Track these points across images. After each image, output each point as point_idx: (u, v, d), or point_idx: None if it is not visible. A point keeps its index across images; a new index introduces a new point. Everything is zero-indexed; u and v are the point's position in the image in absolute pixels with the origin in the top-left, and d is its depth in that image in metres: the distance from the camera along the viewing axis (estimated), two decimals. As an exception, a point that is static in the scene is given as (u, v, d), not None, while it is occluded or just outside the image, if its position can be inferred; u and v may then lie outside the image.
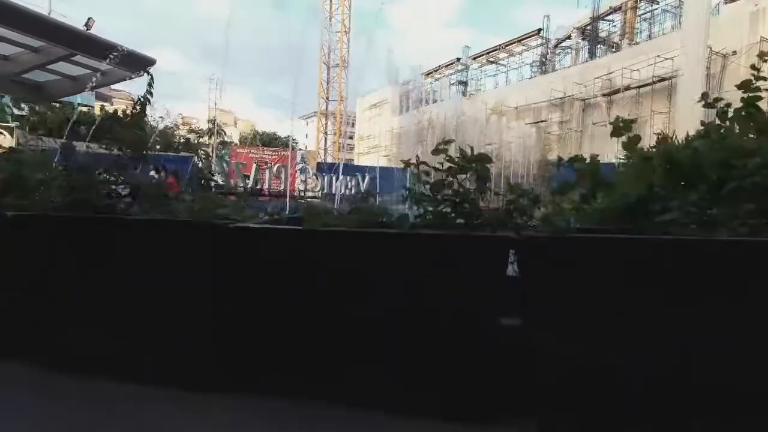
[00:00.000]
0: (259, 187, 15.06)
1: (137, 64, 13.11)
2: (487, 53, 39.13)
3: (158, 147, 40.43)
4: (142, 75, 21.67)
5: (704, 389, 1.86)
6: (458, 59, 41.44)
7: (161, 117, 48.62)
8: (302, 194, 18.27)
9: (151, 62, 13.22)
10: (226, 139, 60.58)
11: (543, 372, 2.10)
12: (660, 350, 1.93)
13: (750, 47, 20.11)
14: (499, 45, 37.87)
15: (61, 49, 10.77)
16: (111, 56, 10.87)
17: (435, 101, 48.09)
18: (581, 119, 29.95)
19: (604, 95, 27.76)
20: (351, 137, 62.50)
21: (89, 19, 10.68)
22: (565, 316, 2.07)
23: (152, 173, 12.82)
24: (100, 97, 62.38)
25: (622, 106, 26.44)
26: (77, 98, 55.52)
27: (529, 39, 36.51)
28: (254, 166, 15.36)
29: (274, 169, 15.62)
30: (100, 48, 11.18)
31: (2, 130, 18.90)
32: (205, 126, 59.21)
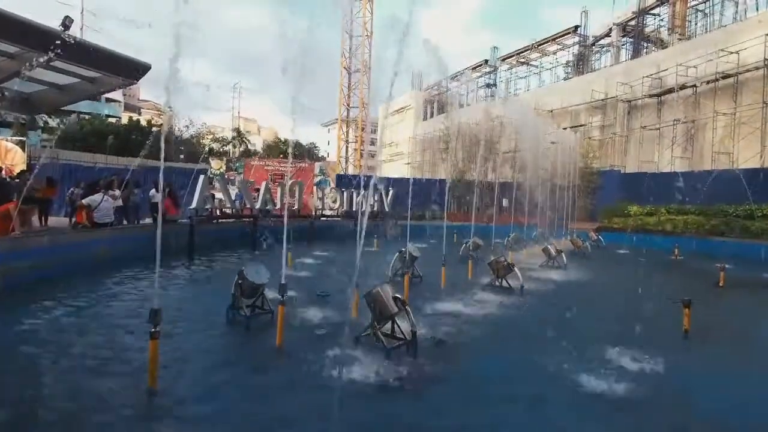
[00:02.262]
0: (268, 207, 13.17)
1: (131, 70, 11.51)
2: (518, 54, 36.60)
3: (182, 157, 39.65)
4: (136, 83, 20.47)
5: None
6: (486, 61, 39.05)
7: (186, 126, 48.46)
8: (319, 213, 16.35)
9: (146, 68, 11.58)
10: (249, 147, 60.07)
11: None
12: None
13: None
14: (532, 44, 35.30)
15: (36, 54, 9.10)
16: (91, 58, 9.19)
17: (461, 106, 45.87)
18: (626, 122, 27.11)
19: (653, 96, 24.91)
20: (373, 143, 60.82)
21: (66, 17, 9.02)
22: None
23: (152, 192, 10.70)
24: (128, 107, 63.02)
25: (675, 108, 23.59)
26: (104, 109, 55.81)
27: (564, 37, 33.82)
28: (264, 184, 13.49)
29: (287, 185, 13.73)
30: (81, 52, 9.47)
31: (13, 145, 17.87)
32: (229, 134, 58.89)
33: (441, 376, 4.19)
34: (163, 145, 4.22)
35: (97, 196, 9.42)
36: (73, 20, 9.42)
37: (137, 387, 3.64)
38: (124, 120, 47.42)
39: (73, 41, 8.81)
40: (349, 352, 4.41)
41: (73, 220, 11.44)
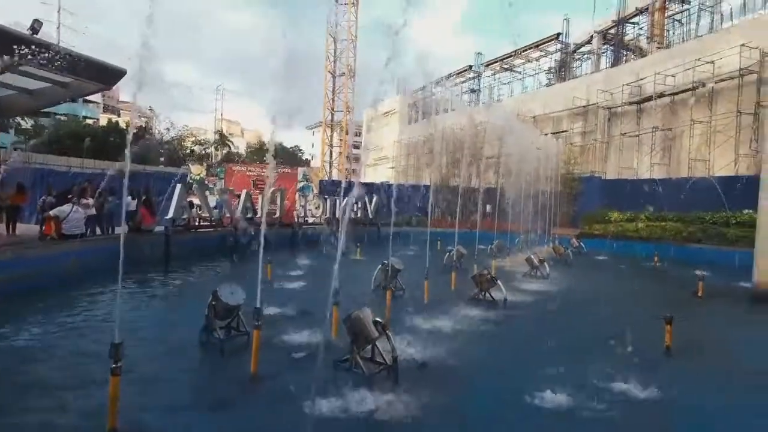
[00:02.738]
0: (249, 216, 12.87)
1: (105, 76, 11.14)
2: (502, 60, 36.94)
3: (162, 159, 38.74)
4: (111, 89, 19.86)
5: None
6: (470, 67, 39.29)
7: (167, 129, 47.44)
8: (302, 221, 16.09)
9: (121, 73, 11.22)
10: (232, 149, 59.26)
11: None
12: None
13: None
14: (515, 51, 35.66)
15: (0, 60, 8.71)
16: (59, 64, 8.84)
17: (446, 110, 46.04)
18: (606, 129, 27.54)
19: (632, 103, 25.37)
20: (357, 146, 60.65)
21: (35, 21, 8.64)
22: None
23: (128, 198, 10.21)
24: (108, 109, 61.38)
25: (653, 115, 24.06)
26: (82, 111, 54.17)
27: (546, 44, 34.26)
28: (244, 192, 13.18)
29: (269, 193, 13.45)
30: (52, 56, 9.11)
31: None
32: (211, 137, 57.97)
33: (422, 413, 3.99)
34: (128, 151, 3.92)
35: (66, 207, 9.02)
36: (42, 23, 9.03)
37: (97, 428, 3.38)
38: (103, 122, 46.16)
39: (41, 45, 8.45)
40: (327, 382, 4.21)
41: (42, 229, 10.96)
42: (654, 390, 4.34)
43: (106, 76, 11.14)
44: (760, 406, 4.33)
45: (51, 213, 8.92)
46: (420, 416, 3.79)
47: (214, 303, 5.26)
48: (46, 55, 8.78)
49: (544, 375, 4.55)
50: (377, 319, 4.46)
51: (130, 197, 12.35)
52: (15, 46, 8.24)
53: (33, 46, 8.59)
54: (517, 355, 5.60)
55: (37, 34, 9.03)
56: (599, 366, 4.72)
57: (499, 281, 7.70)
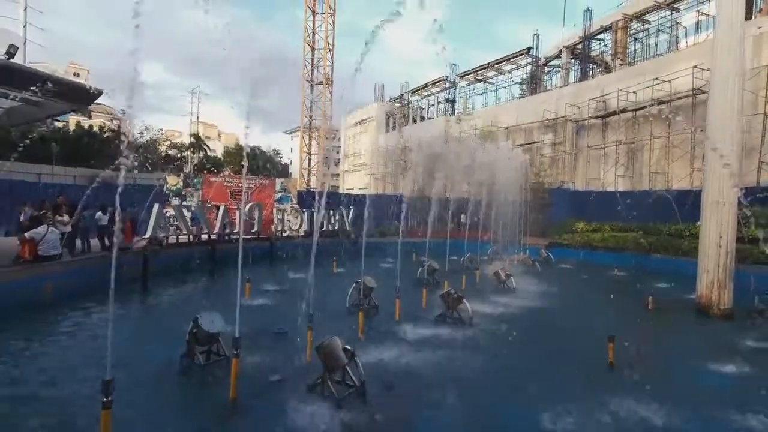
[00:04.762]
0: (228, 231, 13.07)
1: (80, 97, 11.22)
2: (475, 71, 37.99)
3: (136, 164, 37.93)
4: (86, 109, 19.60)
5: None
6: (446, 77, 40.22)
7: (141, 132, 46.42)
8: (280, 233, 16.33)
9: (97, 94, 11.32)
10: (209, 153, 58.41)
11: None
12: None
13: (756, 71, 19.11)
14: (488, 63, 36.78)
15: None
16: (37, 89, 8.93)
17: (423, 119, 46.90)
18: (575, 141, 28.77)
19: (597, 117, 26.64)
20: (337, 151, 60.88)
21: (11, 46, 8.73)
22: None
23: (98, 214, 10.30)
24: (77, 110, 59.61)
25: (617, 129, 25.37)
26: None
27: (518, 58, 35.47)
28: (222, 208, 13.37)
29: (246, 209, 13.67)
30: (24, 79, 9.20)
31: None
32: (187, 140, 56.96)
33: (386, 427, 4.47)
34: (123, 163, 3.94)
35: (41, 229, 9.08)
36: (17, 48, 9.11)
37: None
38: (72, 125, 44.83)
39: (19, 71, 8.57)
40: (301, 404, 4.62)
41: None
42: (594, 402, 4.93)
43: (81, 96, 11.22)
44: (683, 415, 4.95)
45: (26, 236, 8.96)
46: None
47: (194, 330, 5.58)
48: (23, 78, 8.88)
49: (500, 391, 5.07)
50: (346, 346, 4.89)
51: (100, 212, 12.34)
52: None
53: (8, 70, 8.70)
54: (475, 377, 6.10)
55: (12, 58, 9.11)
56: (549, 382, 5.28)
57: (465, 300, 8.23)
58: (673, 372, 6.45)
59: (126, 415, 4.30)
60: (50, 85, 8.64)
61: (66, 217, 11.36)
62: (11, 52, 8.94)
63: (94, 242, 11.82)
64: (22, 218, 12.23)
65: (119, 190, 3.74)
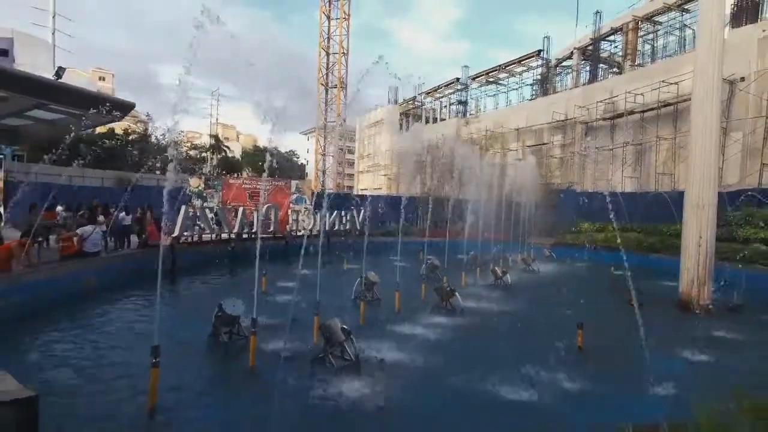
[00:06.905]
0: (246, 231, 14.25)
1: (116, 109, 12.51)
2: (487, 73, 38.58)
3: (158, 165, 39.84)
4: (122, 119, 21.18)
5: None
6: (458, 79, 40.90)
7: (163, 135, 48.33)
8: (293, 234, 17.45)
9: (131, 106, 12.63)
10: (228, 155, 60.29)
11: None
12: None
13: (760, 74, 19.36)
14: (499, 65, 37.34)
15: (28, 100, 10.09)
16: (92, 110, 10.26)
17: (435, 120, 47.65)
18: (584, 142, 29.18)
19: (606, 119, 27.03)
20: (351, 152, 62.06)
21: (59, 68, 10.02)
22: None
23: (122, 214, 11.65)
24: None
25: (625, 131, 25.73)
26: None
27: (529, 60, 35.94)
28: (241, 210, 14.56)
29: (263, 210, 14.83)
30: (71, 96, 10.52)
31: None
32: (206, 141, 58.91)
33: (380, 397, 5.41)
34: (171, 170, 5.15)
35: (89, 228, 10.37)
36: (65, 69, 10.40)
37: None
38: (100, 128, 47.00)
39: (66, 90, 9.76)
40: (306, 372, 5.64)
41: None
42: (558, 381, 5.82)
43: (117, 109, 12.50)
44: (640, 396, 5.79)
45: (78, 231, 10.25)
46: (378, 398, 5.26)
47: (219, 314, 6.67)
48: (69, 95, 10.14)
49: (483, 371, 5.99)
50: (344, 326, 5.89)
51: (123, 213, 13.63)
52: (40, 89, 9.65)
53: (58, 89, 9.97)
54: (461, 355, 7.03)
55: (60, 78, 10.39)
56: (527, 364, 6.17)
57: (456, 293, 9.15)
58: (634, 355, 7.24)
59: (168, 375, 5.39)
60: (108, 105, 9.82)
61: (101, 218, 12.72)
62: (59, 74, 10.22)
63: (133, 239, 13.14)
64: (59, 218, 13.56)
65: (163, 191, 4.83)
